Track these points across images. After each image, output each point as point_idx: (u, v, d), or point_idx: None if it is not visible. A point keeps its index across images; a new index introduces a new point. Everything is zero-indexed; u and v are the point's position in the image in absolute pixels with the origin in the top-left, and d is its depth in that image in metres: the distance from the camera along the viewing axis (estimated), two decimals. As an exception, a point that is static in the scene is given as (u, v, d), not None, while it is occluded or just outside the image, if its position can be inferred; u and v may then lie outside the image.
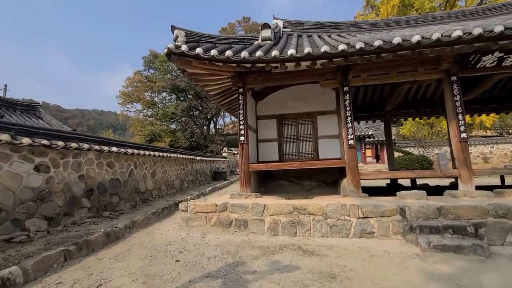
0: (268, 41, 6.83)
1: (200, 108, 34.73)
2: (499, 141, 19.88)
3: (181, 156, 10.30)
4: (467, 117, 20.06)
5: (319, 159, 7.55)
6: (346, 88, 6.10)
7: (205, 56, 5.37)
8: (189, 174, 11.52)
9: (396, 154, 16.65)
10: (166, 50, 5.43)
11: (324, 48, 5.08)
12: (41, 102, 14.43)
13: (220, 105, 8.42)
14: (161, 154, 8.56)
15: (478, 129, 22.64)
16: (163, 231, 5.19)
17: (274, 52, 5.23)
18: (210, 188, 10.94)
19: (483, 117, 21.37)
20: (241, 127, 6.43)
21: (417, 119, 16.81)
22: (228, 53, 5.34)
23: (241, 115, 6.49)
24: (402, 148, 20.09)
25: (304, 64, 5.54)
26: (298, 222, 4.93)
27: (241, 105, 6.54)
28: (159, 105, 35.12)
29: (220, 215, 5.35)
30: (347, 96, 6.06)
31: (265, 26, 6.89)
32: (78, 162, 5.42)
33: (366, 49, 5.04)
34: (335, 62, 5.34)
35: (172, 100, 36.27)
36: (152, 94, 36.19)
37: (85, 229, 4.63)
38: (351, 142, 5.87)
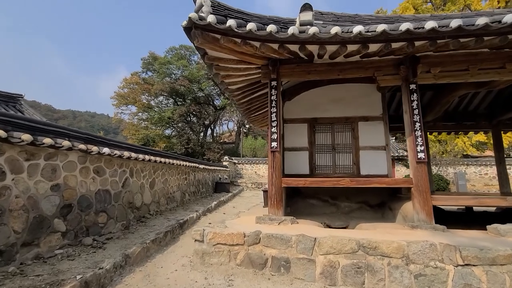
0: (308, 26, 5.51)
1: (198, 114, 33.29)
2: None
3: (184, 163, 8.75)
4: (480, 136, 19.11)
5: (360, 175, 6.13)
6: (413, 86, 4.76)
7: (239, 32, 3.96)
8: (191, 185, 9.93)
9: (408, 171, 15.41)
10: (185, 22, 4.01)
11: (406, 25, 3.72)
12: (28, 99, 12.73)
13: (238, 104, 6.99)
14: (162, 160, 7.01)
15: (482, 150, 21.80)
16: (169, 272, 3.61)
17: (335, 29, 3.87)
18: (215, 203, 9.34)
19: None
20: (273, 129, 4.99)
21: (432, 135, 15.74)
22: (271, 28, 3.96)
23: (274, 115, 5.06)
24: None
25: (375, 47, 4.18)
26: (366, 266, 3.43)
27: (273, 102, 5.12)
28: (155, 109, 33.48)
29: (250, 249, 3.81)
30: (415, 96, 4.71)
31: (306, 7, 5.52)
32: (53, 166, 3.85)
33: (441, 31, 3.72)
34: (403, 50, 3.98)
35: (169, 105, 34.76)
36: (149, 97, 34.62)
37: (52, 269, 3.03)
38: (421, 155, 4.48)
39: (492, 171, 19.16)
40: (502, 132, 8.85)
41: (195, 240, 3.94)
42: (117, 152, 4.90)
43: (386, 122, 6.23)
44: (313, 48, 4.37)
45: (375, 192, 5.95)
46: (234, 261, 3.81)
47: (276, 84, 5.18)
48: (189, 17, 3.86)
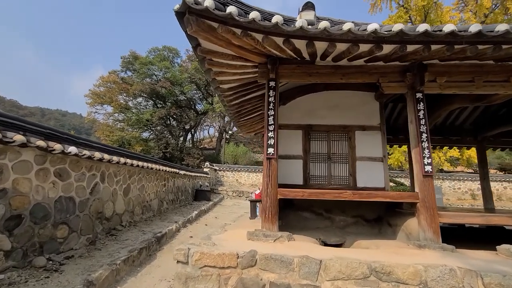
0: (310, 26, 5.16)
1: (178, 117, 32.19)
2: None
3: (164, 168, 7.97)
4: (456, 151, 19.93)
5: (356, 187, 5.77)
6: (419, 95, 4.51)
7: (240, 21, 3.47)
8: (170, 192, 9.10)
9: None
10: (178, 6, 3.45)
11: (424, 26, 3.43)
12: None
13: (228, 106, 6.43)
14: (140, 163, 6.23)
15: (465, 164, 22.83)
16: (144, 302, 2.91)
17: (348, 25, 3.49)
18: (196, 212, 8.59)
19: (472, 152, 21.74)
20: (270, 134, 4.50)
21: (404, 147, 16.08)
22: (278, 18, 3.51)
23: (271, 118, 4.58)
24: (394, 178, 19.28)
25: (388, 49, 3.85)
26: (379, 295, 2.97)
27: (271, 104, 4.64)
28: (133, 110, 31.89)
29: (245, 273, 3.22)
30: (421, 105, 4.46)
31: (308, 6, 5.19)
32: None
33: (460, 34, 3.48)
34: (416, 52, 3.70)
35: (148, 107, 33.36)
36: (127, 98, 33.03)
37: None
38: (428, 168, 4.18)
39: (464, 185, 20.06)
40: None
41: (178, 261, 3.28)
42: (86, 153, 4.13)
43: (384, 133, 5.97)
44: (321, 46, 3.96)
45: (372, 206, 5.60)
46: (225, 287, 3.19)
47: (274, 85, 4.73)
48: (183, 0, 3.31)
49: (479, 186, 19.71)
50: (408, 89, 4.59)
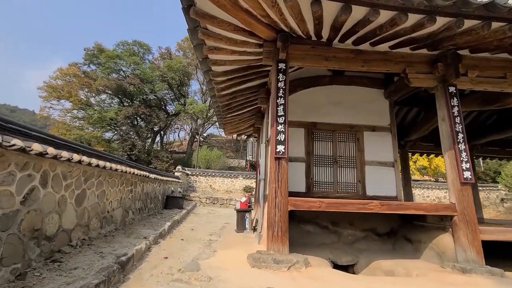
0: None
1: (147, 118, 29.89)
2: (451, 187, 21.00)
3: (132, 171, 6.55)
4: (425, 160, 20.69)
5: (366, 196, 5.01)
6: (452, 89, 3.87)
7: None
8: (137, 200, 7.62)
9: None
10: None
11: None
12: None
13: (218, 96, 5.34)
14: (101, 163, 4.84)
15: (432, 174, 23.89)
16: None
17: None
18: (169, 224, 7.23)
19: (439, 161, 22.79)
20: (280, 127, 3.54)
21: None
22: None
23: (281, 108, 3.63)
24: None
25: (441, 22, 3.12)
26: None
27: (281, 91, 3.70)
28: (96, 108, 28.90)
29: (261, 326, 2.16)
30: (455, 101, 3.82)
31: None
32: None
33: None
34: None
35: (113, 105, 30.54)
36: (89, 93, 29.96)
37: None
38: (467, 174, 3.51)
39: (433, 193, 20.82)
40: (474, 157, 8.95)
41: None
42: (16, 143, 2.78)
43: (394, 135, 5.33)
44: (357, 15, 3.11)
45: (385, 218, 4.85)
46: None
47: (284, 68, 3.79)
48: None
49: (446, 194, 20.69)
50: (438, 82, 3.94)
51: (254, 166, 25.34)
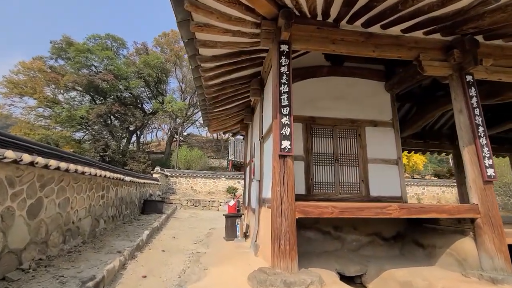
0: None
1: (121, 117, 28.15)
2: (429, 184, 21.64)
3: (103, 173, 5.68)
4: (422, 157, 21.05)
5: (369, 196, 4.60)
6: (470, 78, 3.52)
7: None
8: (110, 206, 6.71)
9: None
10: None
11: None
12: None
13: (206, 87, 4.66)
14: (63, 165, 4.00)
15: (410, 171, 24.57)
16: None
17: None
18: (147, 232, 6.41)
19: (417, 158, 23.40)
20: (284, 120, 2.98)
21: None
22: None
23: (285, 97, 3.08)
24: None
25: None
26: None
27: (284, 77, 3.14)
28: (64, 105, 26.67)
29: None
30: (473, 91, 3.47)
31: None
32: None
33: None
34: None
35: (84, 103, 28.42)
36: (56, 90, 27.67)
37: None
38: (490, 172, 3.17)
39: (412, 190, 21.32)
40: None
41: None
42: None
43: (397, 130, 4.97)
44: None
45: (390, 220, 4.45)
46: None
47: (288, 50, 3.23)
48: None
49: (423, 190, 21.32)
50: (453, 71, 3.58)
51: (236, 166, 24.69)
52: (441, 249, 3.59)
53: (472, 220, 3.22)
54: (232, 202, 6.17)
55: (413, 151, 9.56)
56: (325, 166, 4.65)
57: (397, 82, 4.84)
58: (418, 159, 23.07)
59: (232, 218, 5.32)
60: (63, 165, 4.05)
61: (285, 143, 2.91)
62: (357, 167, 4.72)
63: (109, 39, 29.27)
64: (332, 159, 4.69)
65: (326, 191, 4.55)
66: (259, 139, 4.72)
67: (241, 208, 7.38)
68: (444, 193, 21.73)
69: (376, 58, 5.11)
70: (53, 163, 3.78)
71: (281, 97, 3.06)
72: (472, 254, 3.18)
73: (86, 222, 5.35)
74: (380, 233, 4.48)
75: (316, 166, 4.62)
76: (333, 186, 4.59)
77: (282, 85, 3.09)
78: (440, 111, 6.43)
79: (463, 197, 8.45)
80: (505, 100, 5.02)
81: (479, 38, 3.64)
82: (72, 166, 4.35)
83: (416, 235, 4.15)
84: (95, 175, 5.28)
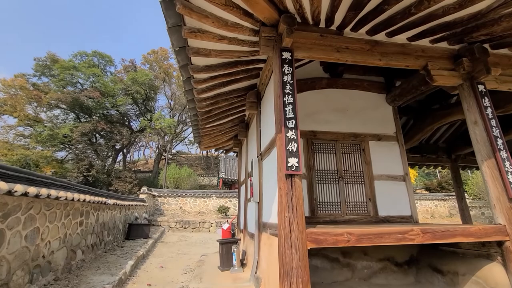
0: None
1: (107, 135, 27.26)
2: (422, 198, 21.61)
3: (82, 197, 5.08)
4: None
5: (378, 217, 4.23)
6: (482, 88, 3.32)
7: None
8: (89, 234, 6.02)
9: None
10: None
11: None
12: None
13: (198, 100, 4.28)
14: (32, 191, 3.45)
15: None
16: None
17: None
18: (131, 263, 5.74)
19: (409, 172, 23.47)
20: (290, 134, 2.63)
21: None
22: None
23: (289, 109, 2.75)
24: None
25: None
26: None
27: (287, 87, 2.83)
28: (46, 124, 25.58)
29: None
30: (487, 101, 3.25)
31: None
32: None
33: None
34: None
35: (68, 121, 27.43)
36: (38, 108, 26.68)
37: None
38: (516, 188, 2.87)
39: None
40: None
41: None
42: None
43: (402, 144, 4.71)
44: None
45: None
46: None
47: (290, 58, 2.94)
48: None
49: (417, 205, 21.12)
50: (463, 80, 3.37)
51: (227, 184, 23.97)
52: (465, 277, 3.21)
53: (500, 243, 2.89)
54: (226, 225, 5.64)
55: (409, 166, 9.38)
56: (329, 185, 4.28)
57: (399, 94, 4.64)
58: (410, 173, 23.14)
59: (228, 244, 4.79)
60: (32, 190, 3.50)
61: (292, 161, 2.53)
62: (363, 185, 4.38)
63: (96, 56, 28.84)
64: (336, 177, 4.34)
65: (332, 212, 4.15)
66: (257, 156, 4.34)
67: (236, 230, 6.82)
68: (437, 207, 21.67)
69: (375, 70, 5.03)
70: (19, 188, 3.24)
71: (286, 108, 2.72)
72: (503, 283, 2.82)
73: (60, 254, 4.68)
74: (393, 257, 4.07)
75: (320, 185, 4.24)
76: (339, 206, 4.20)
77: (286, 95, 2.77)
78: (438, 124, 6.29)
79: (464, 212, 8.24)
80: (507, 112, 4.89)
81: (486, 46, 3.50)
82: (44, 191, 3.78)
83: (432, 260, 3.77)
84: (73, 199, 4.69)
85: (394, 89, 4.81)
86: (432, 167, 9.26)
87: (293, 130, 2.66)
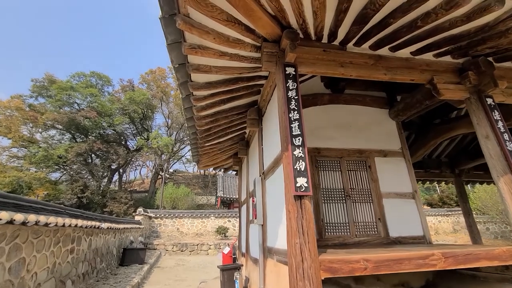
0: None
1: (103, 155, 26.89)
2: (425, 214, 21.22)
3: (74, 223, 4.78)
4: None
5: (389, 237, 3.99)
6: (490, 101, 3.23)
7: None
8: (81, 261, 5.64)
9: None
10: None
11: None
12: None
13: (197, 118, 4.15)
14: (18, 218, 3.19)
15: None
16: None
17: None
18: (125, 292, 5.34)
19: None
20: (297, 152, 2.48)
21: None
22: None
23: (295, 126, 2.63)
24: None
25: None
26: None
27: (292, 103, 2.72)
28: (41, 144, 25.25)
29: None
30: (497, 115, 3.16)
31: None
32: None
33: None
34: None
35: (64, 141, 27.13)
36: (34, 129, 26.44)
37: None
38: (539, 206, 2.69)
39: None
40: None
41: None
42: None
43: (408, 160, 4.56)
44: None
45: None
46: None
47: (294, 73, 2.84)
48: None
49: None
50: (470, 94, 3.29)
51: (225, 203, 23.42)
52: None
53: (525, 266, 2.67)
54: (227, 249, 5.33)
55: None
56: (336, 204, 4.07)
57: (403, 108, 4.56)
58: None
59: (229, 271, 4.46)
60: (19, 217, 3.24)
61: (301, 181, 2.35)
62: (371, 203, 4.17)
63: (94, 77, 29.10)
64: (343, 195, 4.13)
65: (340, 233, 3.91)
66: (260, 175, 4.14)
67: (237, 254, 6.47)
68: (441, 223, 21.25)
69: (376, 85, 4.98)
70: (4, 216, 2.99)
71: (291, 125, 2.58)
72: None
73: (48, 286, 4.31)
74: (408, 283, 3.79)
75: (326, 204, 4.03)
76: (347, 227, 3.96)
77: (292, 111, 2.64)
78: (441, 139, 6.20)
79: (472, 228, 7.97)
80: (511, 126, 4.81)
81: (490, 60, 3.46)
82: (32, 217, 3.52)
83: (451, 284, 3.50)
84: (63, 225, 4.40)
85: (397, 103, 4.74)
86: (436, 182, 9.08)
87: (300, 148, 2.51)
